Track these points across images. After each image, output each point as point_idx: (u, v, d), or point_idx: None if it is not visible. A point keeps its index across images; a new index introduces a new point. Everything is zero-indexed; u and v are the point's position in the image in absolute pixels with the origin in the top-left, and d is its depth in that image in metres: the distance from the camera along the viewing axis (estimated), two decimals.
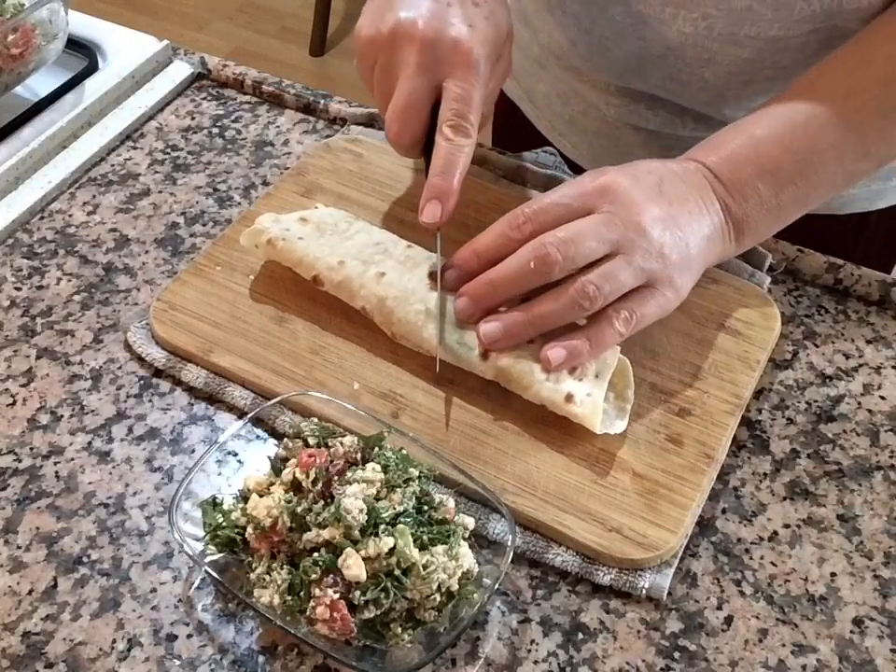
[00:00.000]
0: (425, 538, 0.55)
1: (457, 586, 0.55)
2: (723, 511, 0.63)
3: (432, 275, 0.68)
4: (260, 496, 0.57)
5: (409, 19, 0.66)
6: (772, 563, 0.61)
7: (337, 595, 0.53)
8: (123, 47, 0.94)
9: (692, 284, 0.67)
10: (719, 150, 0.68)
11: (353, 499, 0.55)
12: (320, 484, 0.56)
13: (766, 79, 0.79)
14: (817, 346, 0.72)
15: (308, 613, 0.53)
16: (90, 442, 0.66)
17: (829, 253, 0.78)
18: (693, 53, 0.78)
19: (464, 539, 0.57)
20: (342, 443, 0.58)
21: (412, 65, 0.66)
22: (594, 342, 0.63)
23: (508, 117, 1.01)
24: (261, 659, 0.56)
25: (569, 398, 0.62)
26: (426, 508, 0.57)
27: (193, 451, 0.66)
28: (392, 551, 0.54)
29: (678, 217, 0.65)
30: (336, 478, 0.56)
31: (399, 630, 0.54)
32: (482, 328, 0.64)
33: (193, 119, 0.91)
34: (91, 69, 0.92)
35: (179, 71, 0.94)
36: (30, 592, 0.59)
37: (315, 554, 0.54)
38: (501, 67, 0.71)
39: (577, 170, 0.93)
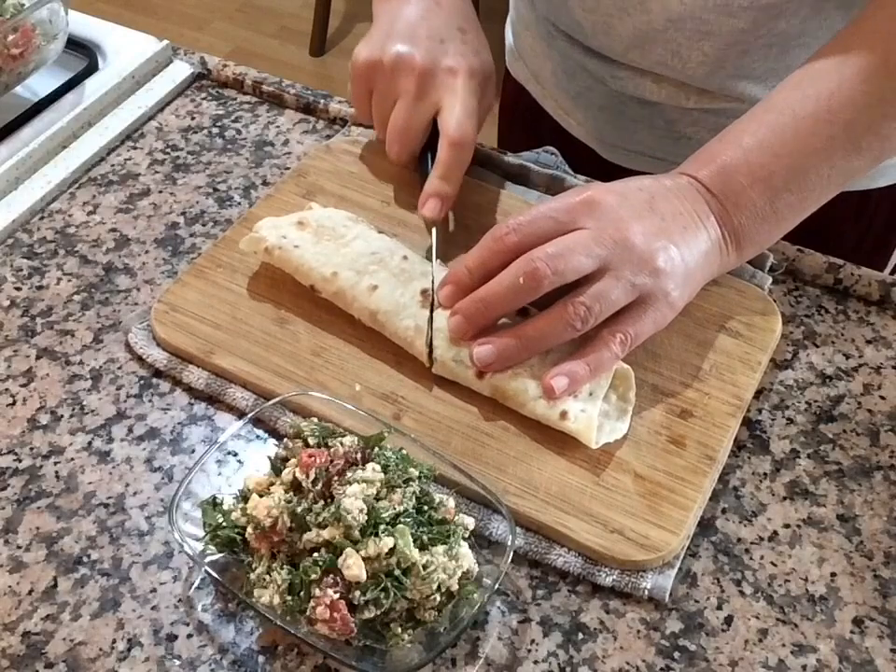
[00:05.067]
0: (425, 538, 0.55)
1: (457, 586, 0.55)
2: (723, 511, 0.63)
3: (425, 292, 0.68)
4: (260, 496, 0.57)
5: (409, 52, 0.74)
6: (772, 563, 0.61)
7: (337, 595, 0.53)
8: (123, 47, 0.94)
9: (688, 298, 0.67)
10: (709, 163, 0.68)
11: (353, 499, 0.55)
12: (320, 484, 0.56)
13: (764, 47, 0.79)
14: (817, 346, 0.72)
15: (308, 613, 0.53)
16: (90, 442, 0.66)
17: (831, 231, 0.77)
18: (692, 25, 0.79)
19: (464, 539, 0.57)
20: (342, 443, 0.58)
21: (411, 92, 0.73)
22: (592, 366, 0.63)
23: (515, 98, 1.03)
24: (261, 659, 0.56)
25: (564, 414, 0.63)
26: (426, 508, 0.57)
27: (193, 451, 0.66)
28: (392, 551, 0.54)
29: (671, 231, 0.65)
30: (336, 478, 0.56)
31: (399, 630, 0.54)
32: (475, 351, 0.65)
33: (193, 119, 0.91)
34: (91, 69, 0.92)
35: (179, 71, 0.94)
36: (30, 592, 0.59)
37: (315, 554, 0.54)
38: (485, 104, 0.78)
39: (582, 152, 0.93)
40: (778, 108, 0.69)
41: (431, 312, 0.67)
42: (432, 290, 0.68)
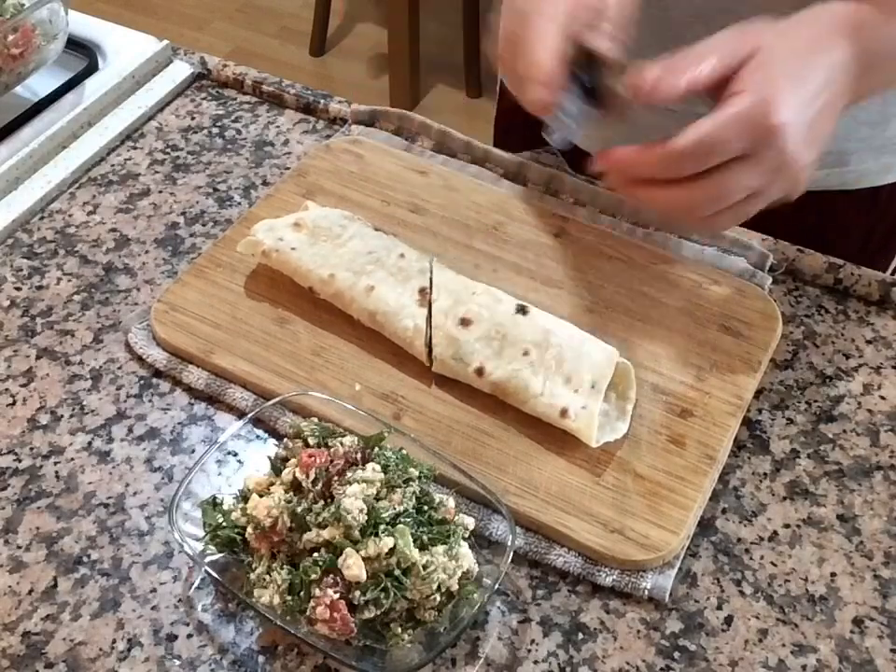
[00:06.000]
0: (425, 538, 0.55)
1: (457, 586, 0.55)
2: (723, 511, 0.63)
3: (423, 290, 0.68)
4: (260, 496, 0.57)
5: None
6: (772, 563, 0.61)
7: (337, 595, 0.53)
8: (123, 47, 0.94)
9: (817, 154, 0.65)
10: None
11: (353, 499, 0.55)
12: (320, 484, 0.56)
13: None
14: (817, 346, 0.72)
15: (308, 613, 0.53)
16: (90, 442, 0.66)
17: (841, 228, 0.76)
18: None
19: (464, 538, 0.57)
20: (342, 443, 0.58)
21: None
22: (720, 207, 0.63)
23: (512, 109, 1.01)
24: (261, 659, 0.56)
25: (564, 412, 0.63)
26: (426, 508, 0.57)
27: (193, 451, 0.66)
28: (392, 551, 0.54)
29: (822, 122, 0.64)
30: (336, 478, 0.56)
31: (399, 630, 0.54)
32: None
33: (193, 119, 0.91)
34: (91, 69, 0.92)
35: (179, 71, 0.94)
36: (30, 592, 0.59)
37: (315, 554, 0.54)
38: None
39: (583, 164, 0.91)
40: None
41: (430, 311, 0.67)
42: (430, 288, 0.68)
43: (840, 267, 0.76)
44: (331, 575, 0.53)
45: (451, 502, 0.58)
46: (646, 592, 0.58)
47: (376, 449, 0.59)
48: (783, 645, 0.57)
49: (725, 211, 0.63)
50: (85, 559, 0.61)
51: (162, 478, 0.64)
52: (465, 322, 0.67)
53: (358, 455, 0.58)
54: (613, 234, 0.77)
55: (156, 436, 0.67)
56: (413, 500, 0.56)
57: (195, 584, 0.60)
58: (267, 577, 0.55)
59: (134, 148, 0.88)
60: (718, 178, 0.63)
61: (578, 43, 0.70)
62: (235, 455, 0.65)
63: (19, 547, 0.61)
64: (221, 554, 0.58)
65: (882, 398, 0.69)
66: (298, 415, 0.65)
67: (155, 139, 0.89)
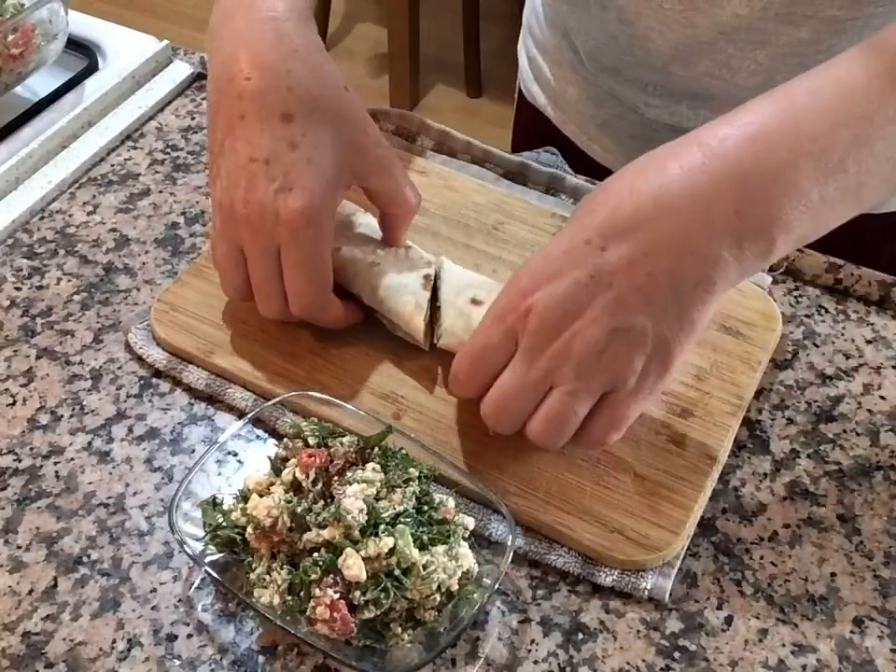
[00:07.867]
0: (425, 538, 0.55)
1: (457, 586, 0.55)
2: (723, 511, 0.63)
3: (427, 277, 0.68)
4: (260, 496, 0.57)
5: (228, 200, 0.64)
6: (772, 563, 0.61)
7: (337, 595, 0.53)
8: (123, 47, 0.94)
9: (688, 347, 0.56)
10: (742, 132, 0.54)
11: (353, 499, 0.55)
12: (320, 484, 0.56)
13: (820, 64, 0.76)
14: (817, 346, 0.72)
15: (308, 613, 0.53)
16: (90, 442, 0.66)
17: (872, 248, 0.75)
18: (746, 36, 0.75)
19: (464, 539, 0.57)
20: (342, 443, 0.58)
21: (250, 248, 0.64)
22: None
23: (531, 123, 1.00)
24: (261, 659, 0.56)
25: None
26: (426, 508, 0.57)
27: (193, 451, 0.66)
28: (392, 551, 0.54)
29: (672, 336, 0.55)
30: (336, 478, 0.56)
31: (399, 630, 0.54)
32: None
33: (193, 119, 0.91)
34: (91, 69, 0.92)
35: (179, 71, 0.94)
36: (30, 592, 0.59)
37: (315, 554, 0.54)
38: (356, 171, 0.66)
39: (602, 175, 0.90)
40: (844, 65, 0.55)
41: (433, 295, 0.67)
42: (434, 277, 0.68)
43: (840, 267, 0.76)
44: (331, 575, 0.53)
45: (451, 502, 0.58)
46: (646, 592, 0.58)
47: (376, 449, 0.59)
48: (783, 645, 0.57)
49: (555, 414, 0.57)
50: (85, 559, 0.61)
51: (162, 478, 0.64)
52: (475, 302, 0.66)
53: (358, 455, 0.58)
54: None
55: (156, 436, 0.67)
56: (413, 500, 0.56)
57: (195, 584, 0.60)
58: (267, 577, 0.55)
59: (134, 148, 0.88)
60: (498, 384, 0.58)
61: None
62: (235, 454, 0.65)
63: (19, 547, 0.61)
64: (221, 554, 0.58)
65: (882, 398, 0.69)
66: (298, 415, 0.65)
67: (155, 139, 0.89)
